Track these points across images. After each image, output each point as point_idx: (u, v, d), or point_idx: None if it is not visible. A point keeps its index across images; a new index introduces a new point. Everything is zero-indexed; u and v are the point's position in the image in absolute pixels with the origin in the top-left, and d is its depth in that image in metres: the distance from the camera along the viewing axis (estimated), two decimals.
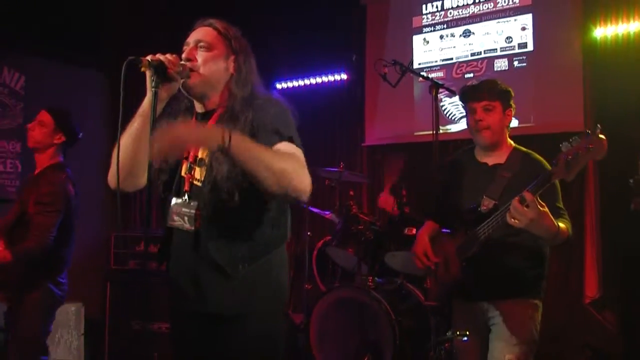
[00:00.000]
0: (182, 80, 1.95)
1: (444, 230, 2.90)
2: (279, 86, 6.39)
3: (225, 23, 2.09)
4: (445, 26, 5.45)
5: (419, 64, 5.52)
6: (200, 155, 1.98)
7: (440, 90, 3.74)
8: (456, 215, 2.78)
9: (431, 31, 5.53)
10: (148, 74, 1.87)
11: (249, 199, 1.90)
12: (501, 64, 5.07)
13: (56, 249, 3.19)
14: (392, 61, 4.01)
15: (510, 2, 5.09)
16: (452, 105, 5.27)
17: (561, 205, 2.60)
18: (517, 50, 5.01)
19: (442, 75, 5.36)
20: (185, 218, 1.97)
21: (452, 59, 5.38)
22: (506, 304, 2.63)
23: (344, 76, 6.03)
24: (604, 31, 4.65)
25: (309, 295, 4.64)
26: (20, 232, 3.17)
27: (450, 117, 5.28)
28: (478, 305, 2.71)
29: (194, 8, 2.17)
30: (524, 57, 4.96)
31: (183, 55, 1.99)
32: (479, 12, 5.26)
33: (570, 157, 2.16)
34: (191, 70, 1.95)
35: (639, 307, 3.76)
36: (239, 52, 2.06)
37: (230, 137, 1.68)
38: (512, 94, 2.77)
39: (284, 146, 1.87)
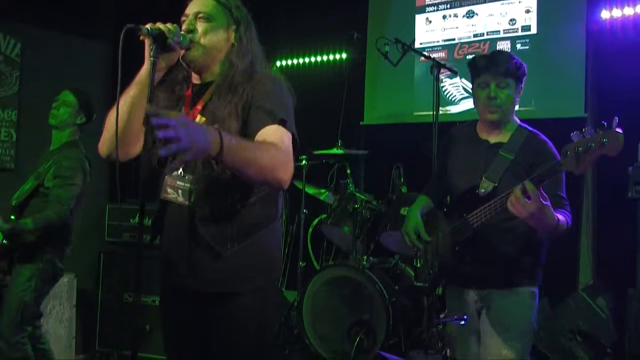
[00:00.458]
0: (181, 51, 1.92)
1: (441, 208, 2.75)
2: (278, 64, 6.33)
3: None
4: (448, 6, 5.38)
5: (421, 43, 5.46)
6: None
7: (442, 70, 3.72)
8: (453, 194, 2.67)
9: (434, 11, 5.46)
10: (147, 42, 1.83)
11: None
12: (504, 46, 5.01)
13: (68, 221, 3.38)
14: (393, 40, 3.98)
15: None
16: (453, 86, 5.22)
17: (564, 194, 2.46)
18: (520, 33, 4.95)
19: (443, 55, 5.30)
20: (180, 191, 1.94)
21: (454, 39, 5.32)
22: (502, 294, 2.50)
23: (345, 54, 5.98)
24: (610, 15, 4.59)
25: (303, 273, 4.64)
26: (36, 204, 3.36)
27: (450, 98, 5.24)
28: (471, 293, 2.60)
29: None
30: (527, 40, 4.91)
31: (183, 26, 1.95)
32: None
33: (581, 148, 2.00)
34: (191, 41, 1.92)
35: (633, 294, 3.76)
36: (239, 21, 2.02)
37: (221, 145, 1.58)
38: (526, 73, 2.62)
39: (273, 130, 1.82)
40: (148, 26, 1.80)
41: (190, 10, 2.00)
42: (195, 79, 2.04)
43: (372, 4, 5.81)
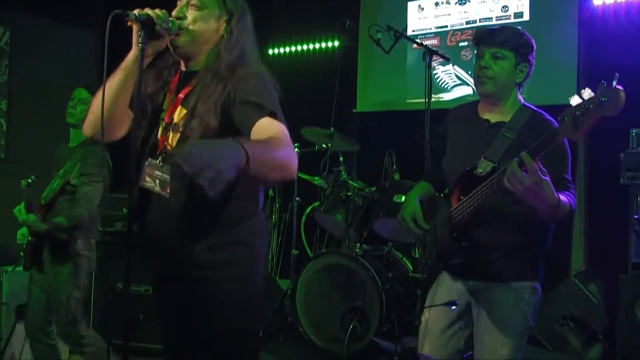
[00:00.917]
0: (169, 38, 1.89)
1: (439, 193, 2.59)
2: (271, 52, 6.30)
3: None
4: None
5: (413, 30, 5.44)
6: (175, 119, 1.91)
7: (434, 57, 3.71)
8: (451, 176, 2.47)
9: None
10: (135, 28, 1.80)
11: None
12: None
13: (94, 215, 3.43)
14: (386, 27, 3.95)
15: None
16: (445, 73, 5.21)
17: (569, 176, 2.30)
18: (512, 20, 4.94)
19: (436, 42, 5.29)
20: (157, 181, 1.90)
21: (446, 26, 5.31)
22: (500, 288, 2.34)
23: (337, 42, 5.95)
24: (602, 2, 4.59)
25: (296, 261, 4.64)
26: (63, 202, 3.40)
27: (443, 85, 5.23)
28: (465, 284, 2.41)
29: None
30: (520, 27, 4.88)
31: (173, 12, 1.93)
32: None
33: (579, 112, 1.84)
34: (180, 27, 1.89)
35: (624, 280, 3.78)
36: (232, 13, 1.99)
37: (247, 158, 1.50)
38: (534, 49, 2.42)
39: (268, 124, 1.78)
40: (136, 12, 1.77)
41: None
42: (183, 66, 2.02)
43: None
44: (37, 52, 5.32)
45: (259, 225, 2.03)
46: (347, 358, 3.74)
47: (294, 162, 1.74)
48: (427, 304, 2.50)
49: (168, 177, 1.88)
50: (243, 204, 1.96)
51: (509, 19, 4.96)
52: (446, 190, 2.50)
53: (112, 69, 1.89)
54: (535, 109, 2.42)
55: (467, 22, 5.19)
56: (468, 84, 5.01)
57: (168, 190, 1.88)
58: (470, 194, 2.23)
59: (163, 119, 1.96)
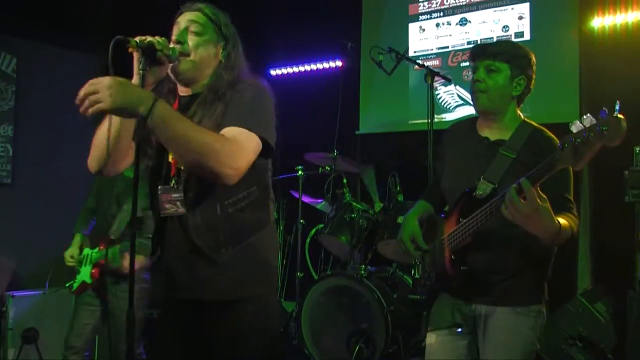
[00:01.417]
0: (171, 64, 1.92)
1: (438, 214, 2.53)
2: (273, 73, 6.35)
3: (213, 8, 2.06)
4: (441, 14, 5.41)
5: (415, 52, 5.48)
6: None
7: (436, 78, 3.73)
8: (450, 196, 2.39)
9: (427, 19, 5.49)
10: (136, 55, 1.82)
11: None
12: None
13: None
14: (387, 49, 3.98)
15: None
16: (447, 93, 5.24)
17: (571, 196, 2.20)
18: (513, 40, 4.97)
19: (437, 63, 5.32)
20: (178, 203, 1.94)
21: (448, 47, 5.34)
22: (502, 313, 2.23)
23: (339, 63, 6.00)
24: (602, 21, 4.62)
25: (301, 283, 4.63)
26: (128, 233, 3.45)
27: (445, 105, 5.25)
28: (468, 307, 2.31)
29: None
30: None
31: (173, 38, 1.96)
32: (475, 1, 5.22)
33: (579, 140, 1.75)
34: (181, 53, 1.92)
35: (632, 298, 3.75)
36: (228, 38, 2.04)
37: (152, 106, 1.66)
38: (533, 61, 2.33)
39: (234, 130, 1.83)
40: (137, 39, 1.80)
41: (182, 21, 2.01)
42: (182, 91, 2.05)
43: (366, 13, 5.84)
44: (43, 78, 5.38)
45: (270, 238, 2.07)
46: None
47: (221, 160, 1.75)
48: (429, 326, 2.43)
49: (182, 194, 1.93)
50: (253, 213, 1.99)
51: (509, 38, 4.99)
52: (446, 208, 2.44)
53: None
54: (536, 125, 2.34)
55: (469, 43, 5.22)
56: (470, 104, 4.97)
57: (187, 208, 1.93)
58: (470, 217, 2.17)
59: None
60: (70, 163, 3.65)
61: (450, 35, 5.35)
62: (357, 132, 5.76)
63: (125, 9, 5.66)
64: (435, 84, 4.29)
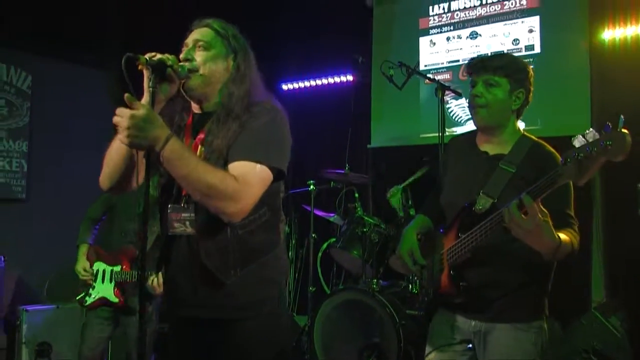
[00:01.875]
0: (181, 81, 1.93)
1: (437, 228, 2.49)
2: (285, 87, 6.39)
3: (222, 22, 2.07)
4: (452, 28, 5.43)
5: (425, 65, 5.50)
6: None
7: (447, 92, 3.74)
8: (450, 210, 2.36)
9: (438, 33, 5.51)
10: (146, 73, 1.83)
11: None
12: None
13: None
14: (398, 63, 4.00)
15: (518, 4, 5.06)
16: (459, 107, 5.24)
17: (572, 212, 2.17)
18: (524, 53, 4.98)
19: (448, 77, 5.34)
20: (187, 222, 1.95)
21: (458, 60, 5.35)
22: (503, 329, 2.19)
23: (350, 78, 6.02)
24: (612, 34, 4.62)
25: (313, 297, 4.63)
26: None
27: (456, 119, 5.26)
28: (468, 324, 2.27)
29: (199, 11, 2.14)
30: (531, 60, 4.93)
31: (181, 56, 1.97)
32: (486, 14, 5.24)
33: (582, 155, 1.73)
34: (190, 70, 1.93)
35: None
36: (237, 50, 2.05)
37: (165, 143, 1.71)
38: (530, 74, 2.31)
39: (240, 165, 1.85)
40: (147, 56, 1.81)
41: (190, 39, 2.03)
42: (196, 108, 2.06)
43: (376, 27, 5.87)
44: (57, 95, 5.45)
45: (279, 258, 2.07)
46: None
47: (225, 202, 1.79)
48: (428, 341, 2.39)
49: (194, 214, 1.94)
50: (263, 235, 1.99)
51: (520, 51, 5.00)
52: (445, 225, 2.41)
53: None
54: (535, 139, 2.31)
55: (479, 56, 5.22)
56: None
57: (196, 228, 1.94)
58: (469, 232, 2.15)
59: None
60: (84, 178, 3.67)
61: (460, 48, 5.36)
62: (368, 146, 5.77)
63: (137, 26, 5.72)
64: (446, 97, 4.30)
